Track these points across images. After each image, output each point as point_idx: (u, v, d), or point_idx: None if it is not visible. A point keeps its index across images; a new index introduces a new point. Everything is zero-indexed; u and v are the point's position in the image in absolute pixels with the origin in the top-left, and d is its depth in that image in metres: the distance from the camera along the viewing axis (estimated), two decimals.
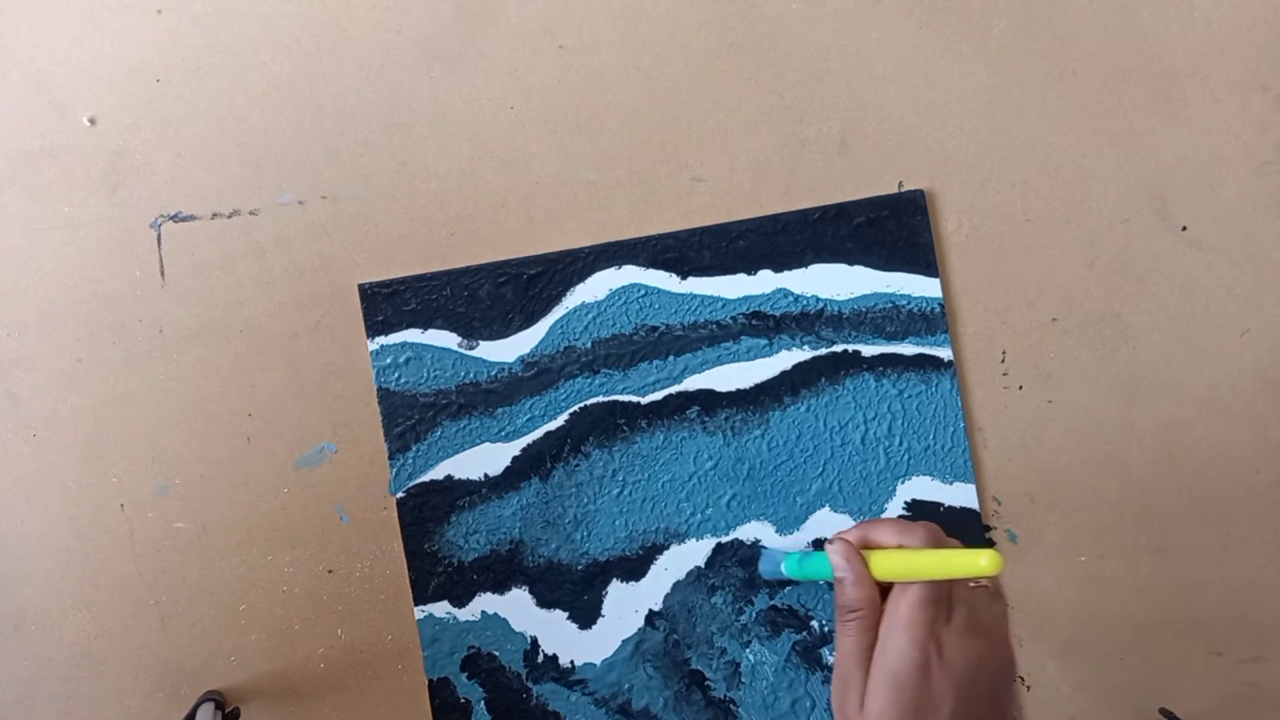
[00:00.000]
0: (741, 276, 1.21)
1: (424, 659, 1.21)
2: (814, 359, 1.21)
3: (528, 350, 1.20)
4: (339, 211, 1.21)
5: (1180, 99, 1.22)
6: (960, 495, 1.21)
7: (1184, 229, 1.22)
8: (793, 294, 1.21)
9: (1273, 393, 1.22)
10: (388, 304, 1.20)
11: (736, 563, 1.21)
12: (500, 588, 1.21)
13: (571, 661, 1.21)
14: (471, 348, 1.20)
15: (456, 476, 1.20)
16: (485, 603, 1.20)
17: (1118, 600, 1.24)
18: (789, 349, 1.21)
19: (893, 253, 1.21)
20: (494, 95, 1.21)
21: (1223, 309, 1.22)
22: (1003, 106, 1.22)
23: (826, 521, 1.21)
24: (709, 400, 1.21)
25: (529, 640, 1.21)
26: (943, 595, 0.85)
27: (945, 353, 1.21)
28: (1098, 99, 1.22)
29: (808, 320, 1.20)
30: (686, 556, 1.21)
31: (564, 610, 1.21)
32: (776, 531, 1.21)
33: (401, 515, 1.20)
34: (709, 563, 1.21)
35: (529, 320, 1.20)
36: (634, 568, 1.21)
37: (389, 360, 1.20)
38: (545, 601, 1.21)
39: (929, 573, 0.83)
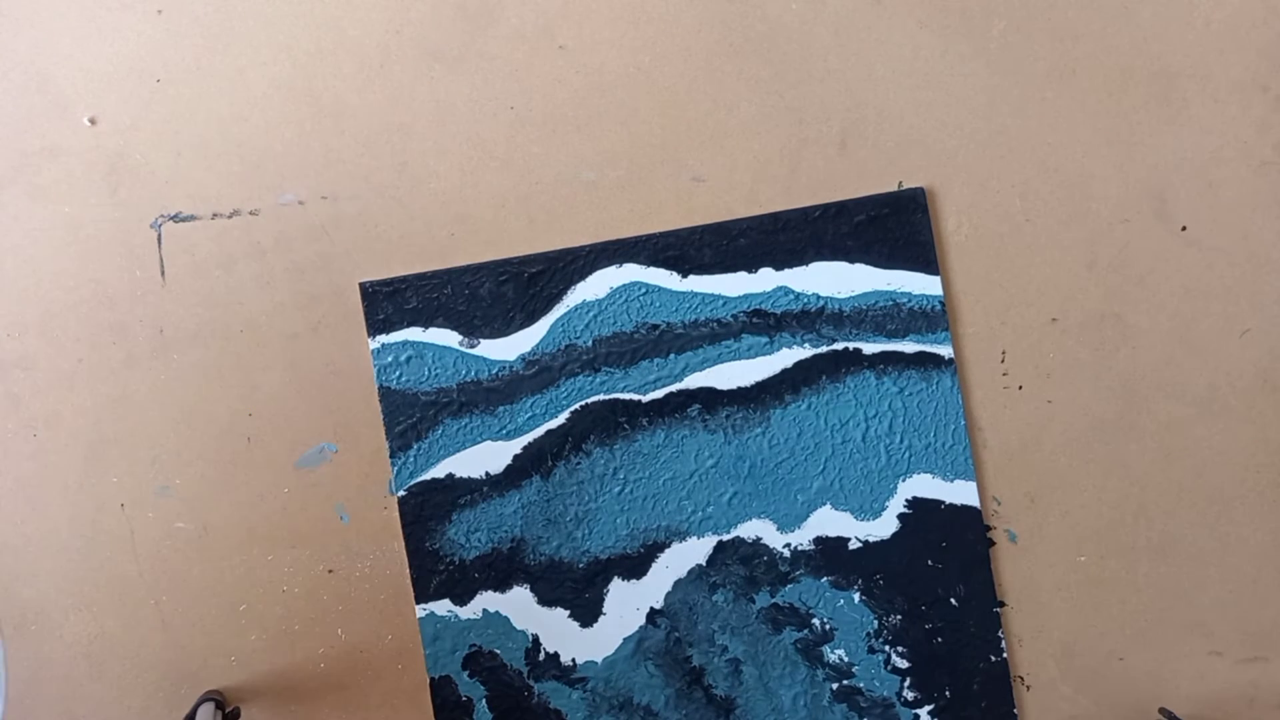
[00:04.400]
0: (742, 274, 1.21)
1: (425, 657, 1.20)
2: (815, 357, 1.21)
3: (529, 348, 1.20)
4: (339, 211, 1.21)
5: (1180, 99, 1.22)
6: (961, 493, 1.21)
7: (1184, 229, 1.22)
8: (793, 292, 1.21)
9: (1273, 393, 1.22)
10: (389, 302, 1.20)
11: (738, 560, 1.21)
12: (502, 586, 1.21)
13: (573, 659, 1.21)
14: (473, 346, 1.20)
15: (458, 475, 1.20)
16: (487, 601, 1.21)
17: (1118, 600, 1.24)
18: (790, 347, 1.21)
19: (893, 250, 1.21)
20: (494, 95, 1.21)
21: (1223, 309, 1.22)
22: (1003, 106, 1.22)
23: (828, 519, 1.21)
24: (710, 398, 1.21)
25: (530, 638, 1.21)
26: None
27: (946, 350, 1.21)
28: (1098, 99, 1.22)
29: (809, 318, 1.21)
30: (688, 554, 1.21)
31: (565, 608, 1.21)
32: (778, 529, 1.21)
33: (403, 513, 1.20)
34: (710, 560, 1.21)
35: (530, 318, 1.20)
36: (635, 566, 1.21)
37: (390, 359, 1.20)
38: (547, 599, 1.21)
39: None
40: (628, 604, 1.21)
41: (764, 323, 1.20)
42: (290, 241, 1.20)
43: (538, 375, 1.20)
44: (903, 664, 1.22)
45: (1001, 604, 1.23)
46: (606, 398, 1.21)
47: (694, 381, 1.21)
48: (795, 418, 1.21)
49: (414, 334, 1.20)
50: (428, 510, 1.20)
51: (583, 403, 1.20)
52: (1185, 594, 1.23)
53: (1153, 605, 1.23)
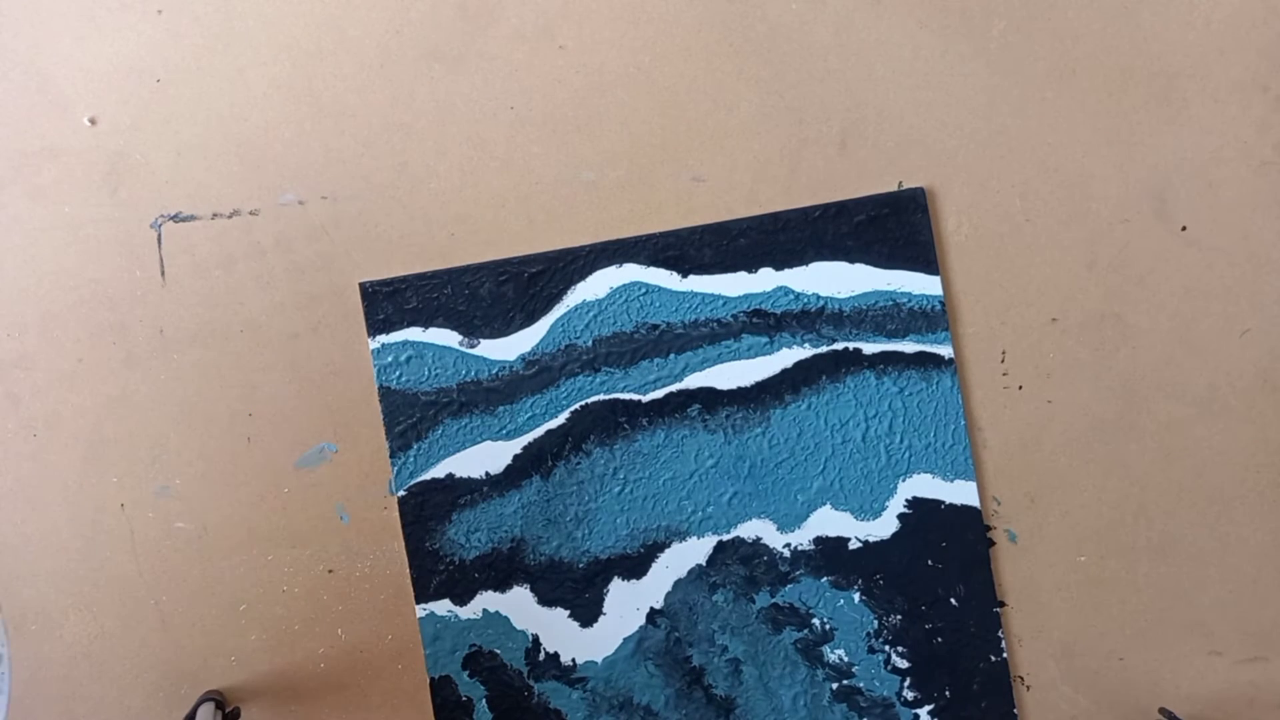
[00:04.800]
0: (742, 274, 1.21)
1: (425, 657, 1.20)
2: (815, 357, 1.21)
3: (529, 348, 1.20)
4: (339, 211, 1.21)
5: (1180, 99, 1.22)
6: (961, 493, 1.21)
7: (1184, 229, 1.22)
8: (793, 292, 1.21)
9: (1273, 393, 1.22)
10: (389, 302, 1.20)
11: (738, 560, 1.21)
12: (502, 586, 1.21)
13: (573, 659, 1.21)
14: (473, 346, 1.20)
15: (458, 475, 1.20)
16: (487, 601, 1.21)
17: (1118, 600, 1.23)
18: (790, 347, 1.21)
19: (893, 250, 1.21)
20: (494, 95, 1.21)
21: (1223, 309, 1.22)
22: (1003, 106, 1.22)
23: (828, 519, 1.21)
24: (710, 398, 1.21)
25: (530, 638, 1.21)
26: None
27: (946, 350, 1.21)
28: (1098, 99, 1.22)
29: (809, 318, 1.21)
30: (688, 554, 1.21)
31: (565, 608, 1.21)
32: (778, 529, 1.21)
33: (403, 513, 1.20)
34: (710, 560, 1.21)
35: (530, 318, 1.20)
36: (635, 566, 1.21)
37: (390, 358, 1.20)
38: (547, 599, 1.21)
39: None
40: (628, 604, 1.21)
41: (764, 323, 1.20)
42: (290, 241, 1.20)
43: (538, 375, 1.20)
44: (903, 664, 1.22)
45: (1001, 604, 1.23)
46: (606, 398, 1.21)
47: (694, 381, 1.21)
48: (795, 418, 1.21)
49: (414, 334, 1.20)
50: (428, 510, 1.20)
51: (583, 403, 1.20)
52: (1185, 594, 1.23)
53: (1153, 605, 1.23)
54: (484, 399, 1.20)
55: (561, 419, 1.21)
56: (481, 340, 1.20)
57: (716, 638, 1.22)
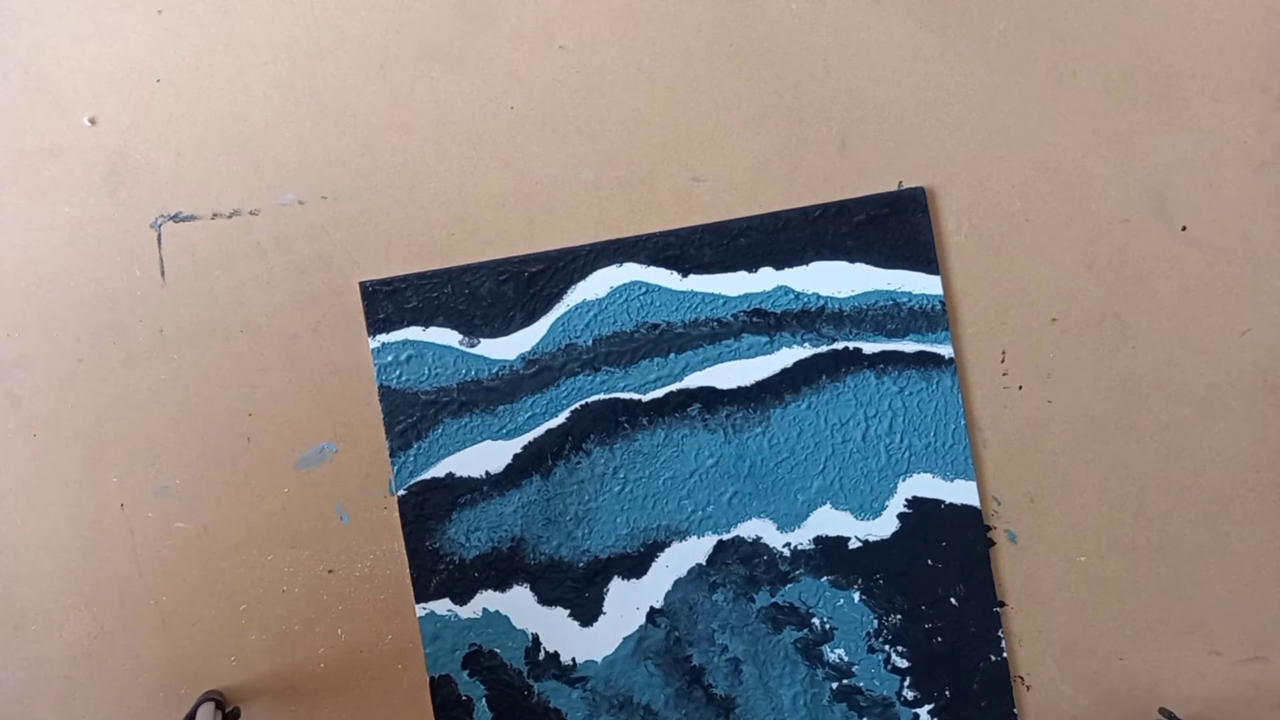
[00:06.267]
0: (742, 274, 1.21)
1: (425, 656, 1.20)
2: (815, 356, 1.21)
3: (529, 348, 1.20)
4: (339, 211, 1.21)
5: (1180, 99, 1.22)
6: (961, 492, 1.21)
7: (1184, 229, 1.22)
8: (794, 291, 1.21)
9: (1273, 393, 1.22)
10: (389, 302, 1.20)
11: (738, 560, 1.21)
12: (502, 585, 1.21)
13: (573, 659, 1.21)
14: (473, 345, 1.20)
15: (458, 474, 1.20)
16: (487, 600, 1.20)
17: (1118, 600, 1.23)
18: (790, 346, 1.21)
19: (893, 250, 1.21)
20: (494, 95, 1.21)
21: (1223, 309, 1.22)
22: (1003, 106, 1.22)
23: (828, 519, 1.21)
24: (710, 397, 1.21)
25: (530, 638, 1.21)
26: None
27: (946, 350, 1.21)
28: (1098, 99, 1.22)
29: (809, 317, 1.21)
30: (688, 554, 1.21)
31: (565, 608, 1.21)
32: (778, 528, 1.21)
33: (403, 513, 1.20)
34: (710, 560, 1.21)
35: (530, 318, 1.20)
36: (635, 565, 1.21)
37: (390, 358, 1.20)
38: (546, 599, 1.21)
39: None
40: (628, 603, 1.21)
41: (764, 322, 1.20)
42: (290, 241, 1.20)
43: (538, 375, 1.20)
44: (903, 663, 1.22)
45: (1001, 604, 1.23)
46: (606, 397, 1.21)
47: (694, 381, 1.21)
48: (795, 417, 1.21)
49: (414, 333, 1.20)
50: (428, 510, 1.20)
51: (583, 402, 1.20)
52: (1185, 594, 1.23)
53: (1153, 605, 1.23)
54: (484, 398, 1.20)
55: (561, 418, 1.21)
56: (481, 340, 1.20)
57: (716, 637, 1.22)
